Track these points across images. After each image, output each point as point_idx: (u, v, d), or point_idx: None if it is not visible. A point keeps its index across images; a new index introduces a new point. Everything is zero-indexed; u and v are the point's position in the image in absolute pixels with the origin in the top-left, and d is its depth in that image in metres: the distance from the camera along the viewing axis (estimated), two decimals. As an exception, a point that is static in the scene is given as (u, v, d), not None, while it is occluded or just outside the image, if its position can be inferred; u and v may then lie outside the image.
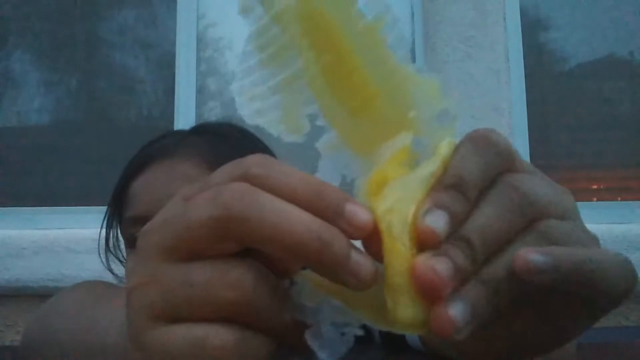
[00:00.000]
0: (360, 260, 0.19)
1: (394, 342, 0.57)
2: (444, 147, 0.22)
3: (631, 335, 1.08)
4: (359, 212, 0.20)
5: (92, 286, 0.49)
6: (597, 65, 1.75)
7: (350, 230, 0.20)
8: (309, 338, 0.21)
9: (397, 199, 0.20)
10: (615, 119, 1.72)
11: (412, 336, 0.53)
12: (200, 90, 1.67)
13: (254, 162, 0.21)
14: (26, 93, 1.74)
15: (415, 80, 0.23)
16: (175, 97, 1.65)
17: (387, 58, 0.23)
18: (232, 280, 0.19)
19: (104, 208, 0.66)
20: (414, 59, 1.67)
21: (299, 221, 0.19)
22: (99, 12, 1.77)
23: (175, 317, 0.20)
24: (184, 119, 1.62)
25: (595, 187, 1.72)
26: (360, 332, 0.21)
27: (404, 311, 0.19)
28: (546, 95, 1.69)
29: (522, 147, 1.57)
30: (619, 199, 1.67)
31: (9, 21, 1.78)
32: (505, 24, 1.60)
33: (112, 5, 1.78)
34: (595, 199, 1.67)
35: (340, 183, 0.23)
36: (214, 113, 1.67)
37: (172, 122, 1.63)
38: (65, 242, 1.44)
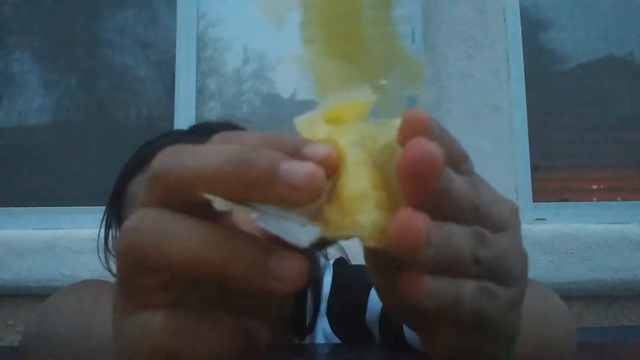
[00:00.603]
0: (294, 167, 0.18)
1: (394, 342, 0.57)
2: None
3: (631, 335, 1.08)
4: (318, 148, 0.19)
5: (92, 286, 0.48)
6: (597, 65, 1.75)
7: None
8: (262, 221, 0.18)
9: (363, 134, 0.21)
10: (615, 119, 1.72)
11: (413, 335, 0.53)
12: (200, 90, 1.67)
13: (215, 136, 0.20)
14: (26, 93, 1.74)
15: (404, 56, 0.23)
16: (175, 97, 1.65)
17: (388, 21, 0.23)
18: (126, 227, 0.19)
19: (104, 208, 0.66)
20: (414, 59, 1.67)
21: (217, 154, 0.18)
22: (99, 12, 1.77)
23: (135, 304, 0.20)
24: (184, 119, 1.62)
25: (595, 187, 1.72)
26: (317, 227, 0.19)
27: (365, 217, 0.19)
28: (546, 95, 1.69)
29: (522, 147, 1.57)
30: (619, 199, 1.67)
31: (9, 21, 1.78)
32: (505, 24, 1.60)
33: (112, 5, 1.78)
34: (595, 199, 1.67)
35: (290, 96, 0.23)
36: (214, 113, 1.68)
37: (172, 122, 1.63)
38: (65, 242, 1.44)
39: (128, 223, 0.19)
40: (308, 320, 0.64)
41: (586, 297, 1.44)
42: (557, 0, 1.74)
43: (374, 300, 0.61)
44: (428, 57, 1.60)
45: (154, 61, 1.77)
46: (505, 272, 0.21)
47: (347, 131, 0.21)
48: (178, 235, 0.18)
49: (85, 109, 1.75)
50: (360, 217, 0.19)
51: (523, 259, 0.23)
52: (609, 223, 1.49)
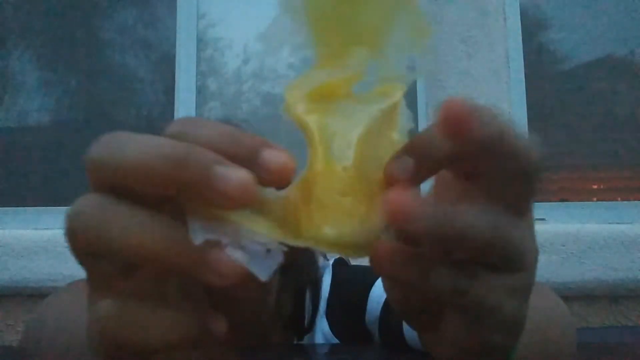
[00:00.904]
0: (227, 174, 0.18)
1: (393, 342, 0.57)
2: (397, 91, 0.21)
3: (631, 335, 1.08)
4: (276, 156, 0.19)
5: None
6: (597, 65, 1.75)
7: (267, 175, 0.19)
8: (232, 252, 0.18)
9: (342, 124, 0.20)
10: (615, 119, 1.72)
11: (413, 336, 0.53)
12: (200, 90, 1.67)
13: (174, 122, 0.20)
14: (26, 93, 1.74)
15: (414, 10, 0.21)
16: (175, 97, 1.65)
17: None
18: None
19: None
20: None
21: (149, 148, 0.18)
22: (99, 12, 1.77)
23: (94, 291, 0.20)
24: (184, 119, 1.61)
25: (595, 187, 1.72)
26: (283, 249, 0.19)
27: (331, 229, 0.19)
28: (546, 95, 1.69)
29: (522, 147, 1.57)
30: (619, 199, 1.67)
31: (9, 21, 1.78)
32: (505, 24, 1.60)
33: (112, 5, 1.78)
34: (595, 199, 1.66)
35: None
36: (214, 113, 1.68)
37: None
38: (65, 242, 1.44)
39: (71, 208, 0.19)
40: (307, 320, 0.64)
41: (586, 297, 1.44)
42: (557, 0, 1.74)
43: (374, 301, 0.61)
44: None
45: (154, 61, 1.77)
46: (513, 256, 0.21)
47: (329, 114, 0.20)
48: (115, 222, 0.18)
49: (85, 109, 1.75)
50: (326, 229, 0.19)
51: (534, 249, 0.23)
52: (609, 223, 1.49)
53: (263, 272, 0.18)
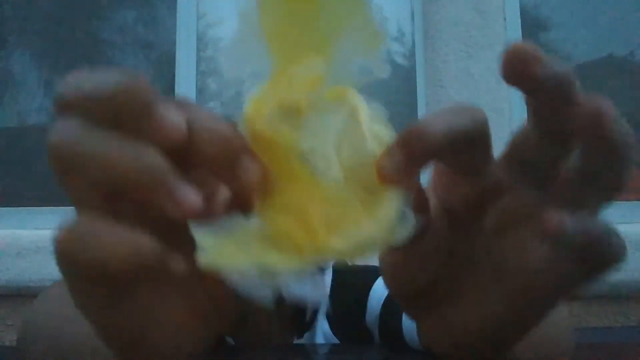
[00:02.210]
0: (181, 191, 0.19)
1: (393, 341, 0.57)
2: (353, 96, 0.21)
3: (631, 335, 1.08)
4: (255, 169, 0.20)
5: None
6: (597, 65, 1.75)
7: (244, 183, 0.20)
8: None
9: (313, 137, 0.20)
10: (616, 119, 1.72)
11: (413, 336, 0.53)
12: (200, 90, 1.67)
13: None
14: (26, 93, 1.74)
15: (365, 19, 0.21)
16: (175, 97, 1.65)
17: None
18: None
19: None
20: (413, 59, 1.67)
21: (116, 76, 0.19)
22: (99, 12, 1.77)
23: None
24: (184, 119, 1.62)
25: (595, 187, 1.71)
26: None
27: (341, 239, 0.18)
28: (546, 95, 1.69)
29: (522, 147, 1.57)
30: (619, 199, 1.67)
31: (9, 21, 1.78)
32: (505, 24, 1.60)
33: (112, 5, 1.78)
34: (595, 199, 1.66)
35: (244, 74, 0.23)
36: (214, 113, 1.68)
37: (172, 122, 1.63)
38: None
39: (51, 129, 0.20)
40: (308, 315, 0.64)
41: (586, 297, 1.44)
42: (557, 0, 1.74)
43: (374, 301, 0.61)
44: (428, 57, 1.60)
45: (154, 61, 1.77)
46: None
47: (297, 129, 0.20)
48: (90, 145, 0.19)
49: (85, 109, 1.75)
50: (335, 241, 0.18)
51: None
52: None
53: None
